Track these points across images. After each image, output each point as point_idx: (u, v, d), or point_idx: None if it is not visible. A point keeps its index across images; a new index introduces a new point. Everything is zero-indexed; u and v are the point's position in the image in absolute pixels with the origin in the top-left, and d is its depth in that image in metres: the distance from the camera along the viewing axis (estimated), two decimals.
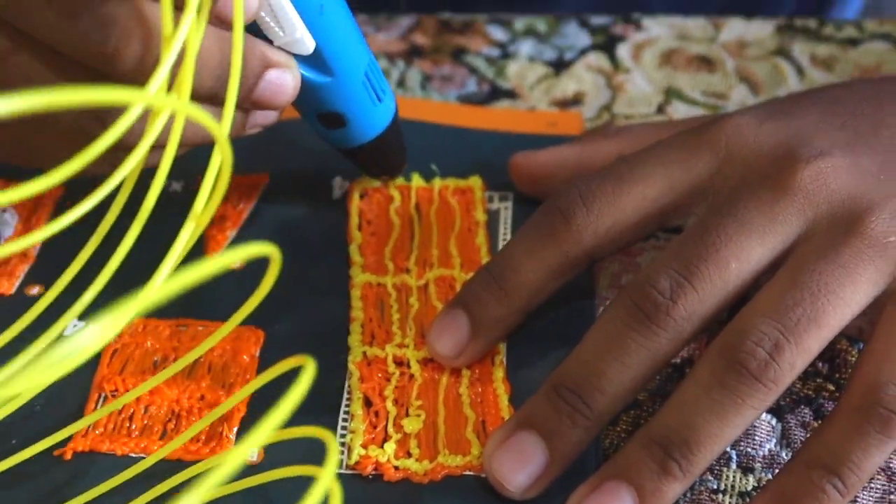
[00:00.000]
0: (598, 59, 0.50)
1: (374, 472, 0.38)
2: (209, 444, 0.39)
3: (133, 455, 0.39)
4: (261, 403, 0.40)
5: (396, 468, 0.38)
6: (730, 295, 0.37)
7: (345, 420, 0.40)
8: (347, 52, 0.41)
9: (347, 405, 0.40)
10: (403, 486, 0.38)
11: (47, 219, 0.46)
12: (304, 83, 0.40)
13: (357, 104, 0.43)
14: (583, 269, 0.40)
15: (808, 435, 0.38)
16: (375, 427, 0.39)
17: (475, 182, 0.46)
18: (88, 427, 0.39)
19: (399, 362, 0.41)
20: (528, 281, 0.39)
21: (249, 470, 0.38)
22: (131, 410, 0.40)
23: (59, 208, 0.47)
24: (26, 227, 0.46)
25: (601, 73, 0.49)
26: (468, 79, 0.49)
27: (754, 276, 0.37)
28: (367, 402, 0.40)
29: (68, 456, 0.39)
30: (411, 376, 0.41)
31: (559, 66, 0.50)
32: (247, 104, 0.40)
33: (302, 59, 0.40)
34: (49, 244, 0.46)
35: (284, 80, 0.39)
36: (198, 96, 0.37)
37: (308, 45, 0.40)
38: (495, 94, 0.49)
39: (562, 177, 0.44)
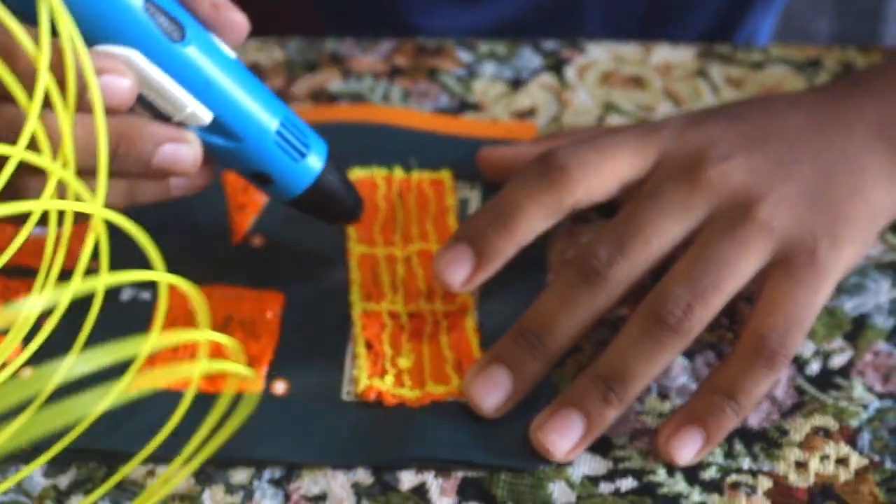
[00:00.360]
0: (548, 78, 0.60)
1: (376, 399, 0.48)
2: (243, 381, 0.49)
3: (180, 390, 0.49)
4: (288, 352, 0.50)
5: (393, 395, 0.49)
6: (652, 263, 0.48)
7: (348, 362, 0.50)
8: (250, 117, 0.46)
9: (353, 349, 0.50)
10: (399, 410, 0.48)
11: None
12: (217, 148, 0.47)
13: (275, 163, 0.47)
14: (565, 217, 0.49)
15: (711, 371, 0.49)
16: (375, 364, 0.50)
17: (445, 175, 0.56)
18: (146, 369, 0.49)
19: (392, 315, 0.51)
20: (528, 219, 0.48)
21: (274, 401, 0.49)
22: (179, 357, 0.50)
23: None
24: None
25: (551, 90, 0.60)
26: (441, 94, 0.60)
27: (671, 249, 0.48)
28: (368, 346, 0.50)
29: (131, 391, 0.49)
30: (402, 326, 0.51)
31: (516, 83, 0.60)
32: (151, 175, 0.46)
33: (206, 129, 0.46)
34: None
35: (179, 152, 0.46)
36: (88, 170, 0.44)
37: (203, 117, 0.45)
38: (464, 106, 0.59)
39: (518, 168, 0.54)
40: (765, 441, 0.47)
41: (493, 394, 0.48)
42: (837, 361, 0.50)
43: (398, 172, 0.57)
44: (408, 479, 0.47)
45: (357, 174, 0.56)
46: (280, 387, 0.49)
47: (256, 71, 0.62)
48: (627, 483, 0.46)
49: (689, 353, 0.50)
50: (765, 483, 0.46)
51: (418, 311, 0.52)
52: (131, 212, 0.54)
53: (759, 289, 0.48)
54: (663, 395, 0.49)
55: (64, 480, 0.47)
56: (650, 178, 0.49)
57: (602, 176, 0.49)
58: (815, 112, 0.51)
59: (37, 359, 0.50)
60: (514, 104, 0.59)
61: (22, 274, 0.54)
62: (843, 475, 0.46)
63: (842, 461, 0.46)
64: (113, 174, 0.45)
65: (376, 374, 0.50)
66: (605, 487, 0.46)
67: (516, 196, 0.48)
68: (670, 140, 0.50)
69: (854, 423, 0.47)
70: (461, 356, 0.50)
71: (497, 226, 0.48)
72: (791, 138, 0.50)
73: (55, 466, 0.48)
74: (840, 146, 0.50)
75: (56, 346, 0.51)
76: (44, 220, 0.54)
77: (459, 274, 0.48)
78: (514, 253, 0.49)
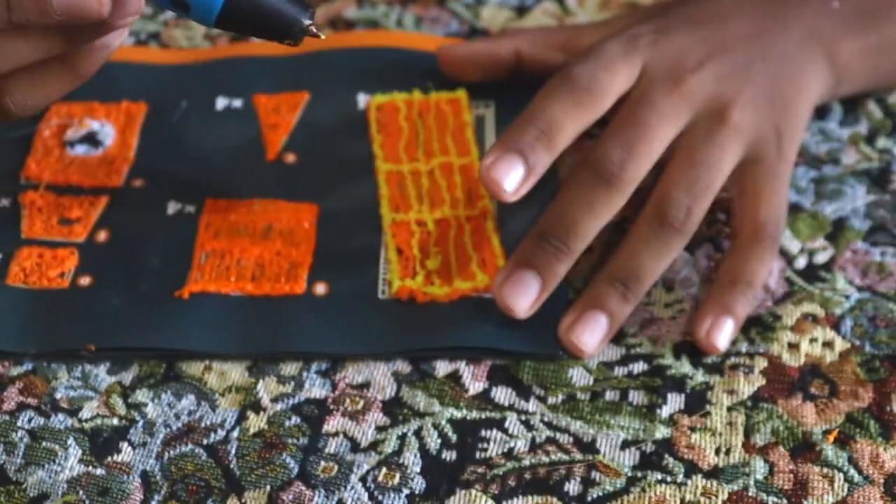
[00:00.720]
0: (551, 5, 0.65)
1: (409, 297, 0.53)
2: (288, 283, 0.54)
3: (232, 293, 0.54)
4: (324, 255, 0.55)
5: (425, 293, 0.54)
6: (653, 162, 0.53)
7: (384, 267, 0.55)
8: None
9: (386, 255, 0.55)
10: (431, 306, 0.53)
11: (139, 129, 0.61)
12: None
13: None
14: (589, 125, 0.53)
15: (711, 264, 0.54)
16: (406, 268, 0.55)
17: (461, 94, 0.61)
18: (198, 275, 0.54)
19: (419, 223, 0.56)
20: (567, 134, 0.52)
21: (317, 300, 0.53)
22: (228, 263, 0.55)
23: (148, 121, 0.61)
24: (121, 137, 0.60)
25: (554, 17, 0.64)
26: (451, 20, 0.64)
27: (665, 147, 0.53)
28: (399, 251, 0.55)
29: (186, 295, 0.53)
30: (429, 232, 0.56)
31: (521, 10, 0.65)
32: (64, 18, 0.45)
33: None
34: (143, 147, 0.60)
35: None
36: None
37: None
38: (473, 32, 0.64)
39: (474, 63, 0.60)
40: (760, 325, 0.53)
41: (524, 297, 0.52)
42: (821, 258, 0.55)
43: (417, 95, 0.61)
44: (443, 367, 0.52)
45: (379, 100, 0.61)
46: (321, 288, 0.54)
47: None
48: (639, 366, 0.52)
49: (690, 248, 0.55)
50: (761, 363, 0.52)
51: (443, 218, 0.56)
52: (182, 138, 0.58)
53: (739, 183, 0.54)
54: (669, 288, 0.54)
55: (127, 377, 0.52)
56: (636, 87, 0.54)
57: (612, 92, 0.53)
58: (758, 15, 0.57)
59: (93, 268, 0.55)
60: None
61: (72, 192, 0.58)
62: (829, 356, 0.52)
63: (828, 344, 0.52)
64: (22, 27, 0.46)
65: (408, 276, 0.54)
66: (619, 371, 0.52)
67: (555, 113, 0.52)
68: (648, 51, 0.54)
69: (837, 311, 0.53)
70: (484, 254, 0.55)
71: (543, 139, 0.52)
72: (744, 42, 0.55)
73: (118, 364, 0.53)
74: (782, 46, 0.56)
75: (110, 257, 0.55)
76: (91, 141, 0.59)
77: (512, 182, 0.52)
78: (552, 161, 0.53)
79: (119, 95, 0.62)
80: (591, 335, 0.52)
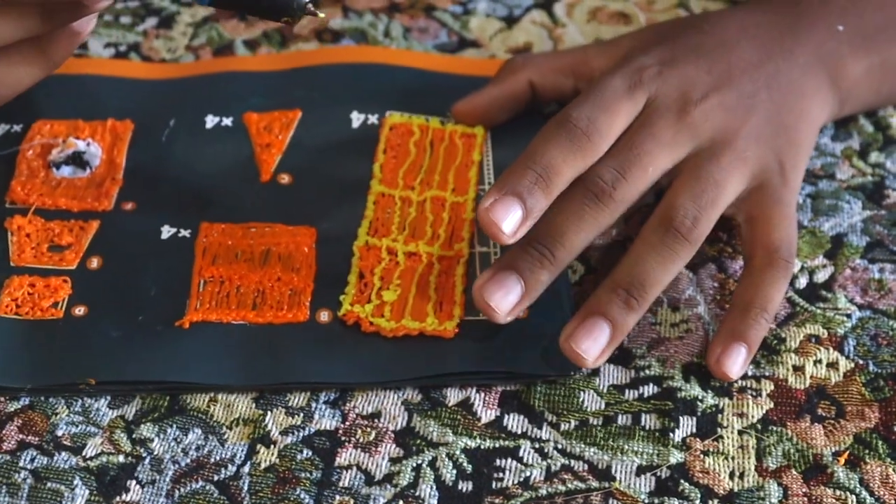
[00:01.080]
0: (540, 15, 0.64)
1: (354, 324, 0.52)
2: (291, 311, 0.53)
3: (234, 322, 0.53)
4: (325, 281, 0.54)
5: (371, 323, 0.53)
6: (647, 187, 0.53)
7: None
8: None
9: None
10: (375, 336, 0.52)
11: (125, 150, 0.59)
12: None
13: None
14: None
15: (715, 284, 0.54)
16: (363, 293, 0.54)
17: (479, 130, 0.60)
18: (197, 304, 0.53)
19: (390, 252, 0.55)
20: (565, 179, 0.51)
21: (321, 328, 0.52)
22: (227, 291, 0.53)
23: (135, 140, 0.59)
24: (109, 157, 0.59)
25: (543, 27, 0.64)
26: (440, 31, 0.63)
27: (663, 174, 0.53)
28: (361, 275, 0.54)
29: (187, 325, 0.52)
30: (397, 263, 0.55)
31: (510, 20, 0.64)
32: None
33: None
34: (131, 168, 0.58)
35: None
36: None
37: None
38: (463, 43, 0.63)
39: (496, 109, 0.59)
40: (765, 349, 0.53)
41: (505, 298, 0.52)
42: (821, 276, 0.56)
43: (434, 122, 0.60)
44: (453, 395, 0.51)
45: (394, 119, 0.60)
46: (324, 315, 0.53)
47: None
48: (649, 389, 0.52)
49: (693, 267, 0.55)
50: (767, 386, 0.52)
51: (416, 252, 0.55)
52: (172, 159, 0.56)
53: (744, 210, 0.54)
54: (674, 308, 0.54)
55: (129, 411, 0.51)
56: (639, 116, 0.54)
57: (611, 134, 0.53)
58: (764, 41, 0.57)
59: (87, 297, 0.54)
60: (510, 40, 0.64)
61: (61, 216, 0.57)
62: (834, 377, 0.52)
63: (832, 365, 0.53)
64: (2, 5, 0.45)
65: (360, 302, 0.53)
66: (629, 394, 0.52)
67: (553, 158, 0.52)
68: (653, 84, 0.54)
69: (840, 331, 0.54)
70: (443, 298, 0.54)
71: (541, 183, 0.52)
72: (749, 70, 0.56)
73: (119, 398, 0.51)
74: (786, 73, 0.56)
75: (105, 285, 0.54)
76: (77, 161, 0.57)
77: (510, 224, 0.51)
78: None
79: (103, 113, 0.60)
80: (593, 343, 0.51)
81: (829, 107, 0.58)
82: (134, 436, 0.50)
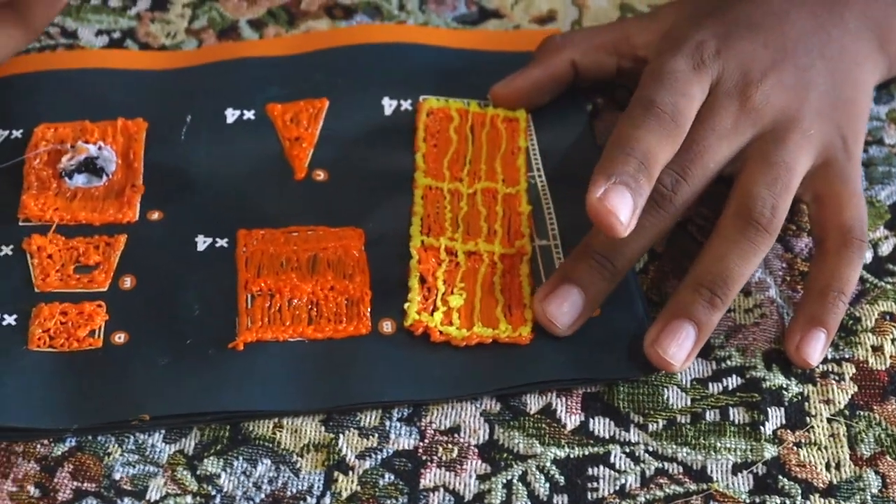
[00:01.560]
0: None
1: (422, 334, 0.49)
2: (352, 323, 0.49)
3: (290, 340, 0.49)
4: (381, 287, 0.50)
5: (441, 332, 0.49)
6: (708, 183, 0.51)
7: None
8: None
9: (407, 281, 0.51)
10: (444, 346, 0.49)
11: (142, 153, 0.54)
12: None
13: None
14: None
15: (784, 264, 0.53)
16: (427, 300, 0.50)
17: (521, 114, 0.56)
18: (248, 321, 0.49)
19: (449, 252, 0.52)
20: (661, 163, 0.49)
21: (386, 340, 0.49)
22: (279, 304, 0.49)
23: (150, 140, 0.55)
24: (125, 162, 0.54)
25: None
26: (458, 2, 0.60)
27: (723, 168, 0.51)
28: (422, 280, 0.51)
29: (241, 347, 0.48)
30: (458, 264, 0.52)
31: None
32: None
33: None
34: (151, 172, 0.54)
35: None
36: None
37: None
38: (484, 14, 0.59)
39: (539, 91, 0.56)
40: (842, 330, 0.51)
41: (567, 313, 0.50)
42: (885, 249, 0.54)
43: (474, 106, 0.57)
44: (534, 402, 0.49)
45: (431, 104, 0.56)
46: (387, 325, 0.49)
47: None
48: (733, 381, 0.50)
49: None
50: (849, 369, 0.50)
51: (476, 251, 0.52)
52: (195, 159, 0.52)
53: (812, 190, 0.52)
54: (746, 293, 0.52)
55: (188, 444, 0.47)
56: (703, 103, 0.52)
57: (691, 117, 0.51)
58: (812, 7, 0.55)
59: (126, 322, 0.49)
60: (532, 9, 0.60)
61: (82, 232, 0.52)
62: None
63: None
64: None
65: (426, 310, 0.50)
66: (713, 387, 0.50)
67: (651, 146, 0.49)
68: (715, 64, 0.52)
69: None
70: (511, 300, 0.51)
71: (645, 172, 0.49)
72: (803, 41, 0.54)
73: (175, 431, 0.47)
74: (838, 40, 0.54)
75: (143, 306, 0.49)
76: (91, 168, 0.52)
77: (626, 213, 0.48)
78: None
79: (110, 111, 0.55)
80: (679, 347, 0.49)
81: (878, 72, 0.56)
82: (198, 472, 0.46)
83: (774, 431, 0.49)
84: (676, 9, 0.56)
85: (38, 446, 0.47)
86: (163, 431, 0.47)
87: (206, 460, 0.47)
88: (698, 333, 0.49)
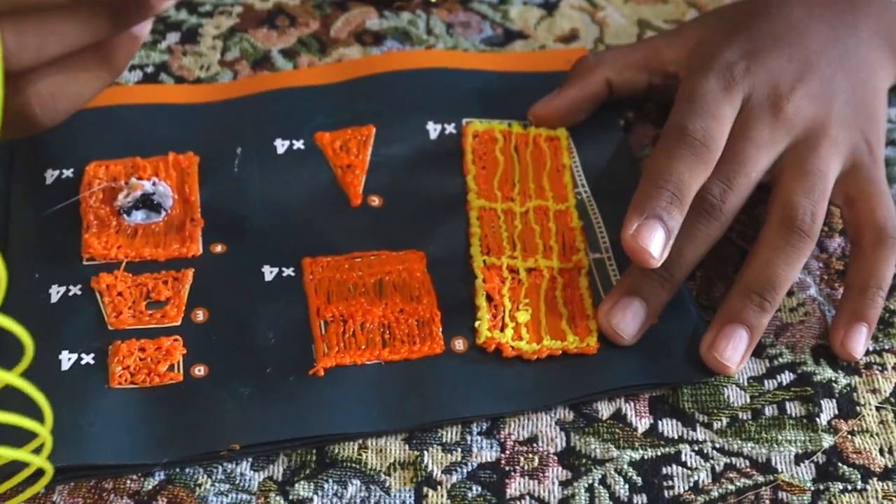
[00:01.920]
0: (577, 0, 0.63)
1: (495, 350, 0.51)
2: (426, 343, 0.51)
3: (368, 363, 0.50)
4: (448, 306, 0.52)
5: (512, 347, 0.51)
6: (751, 191, 0.54)
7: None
8: None
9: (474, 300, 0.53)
10: (515, 360, 0.51)
11: (197, 186, 0.55)
12: None
13: None
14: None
15: (821, 264, 0.56)
16: (496, 317, 0.52)
17: (562, 132, 0.58)
18: (324, 348, 0.50)
19: (511, 269, 0.54)
20: (692, 191, 0.52)
21: (460, 358, 0.50)
22: (352, 329, 0.51)
23: (203, 174, 0.55)
24: (181, 196, 0.54)
25: (582, 10, 0.63)
26: (483, 24, 0.61)
27: (762, 174, 0.54)
28: (489, 298, 0.53)
29: (321, 373, 0.49)
30: (520, 280, 0.54)
31: (549, 6, 0.62)
32: None
33: None
34: (209, 206, 0.54)
35: None
36: None
37: None
38: (509, 36, 0.61)
39: (576, 110, 0.59)
40: (880, 323, 0.54)
41: (631, 324, 0.52)
42: None
43: (516, 127, 0.58)
44: (605, 409, 0.51)
45: (475, 127, 0.58)
46: (459, 344, 0.51)
47: (284, 14, 0.61)
48: (786, 377, 0.52)
49: None
50: (890, 359, 0.53)
51: (536, 267, 0.54)
52: (251, 190, 0.53)
53: (843, 193, 0.55)
54: (789, 293, 0.55)
55: (277, 471, 0.48)
56: (736, 120, 0.55)
57: (723, 139, 0.54)
58: (829, 19, 0.58)
59: (204, 355, 0.50)
60: (555, 28, 0.62)
61: (148, 268, 0.52)
62: None
63: None
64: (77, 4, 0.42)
65: (496, 327, 0.52)
66: (769, 384, 0.52)
67: (682, 175, 0.52)
68: (745, 82, 0.55)
69: None
70: (575, 312, 0.53)
71: (676, 202, 0.52)
72: (824, 53, 0.57)
73: (261, 460, 0.48)
74: (854, 50, 0.58)
75: (218, 338, 0.50)
76: (148, 204, 0.53)
77: (657, 247, 0.51)
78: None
79: (158, 146, 0.56)
80: (734, 350, 0.52)
81: (891, 77, 0.59)
82: (291, 497, 0.47)
83: (829, 422, 0.51)
84: (700, 24, 0.59)
85: (128, 482, 0.48)
86: (250, 459, 0.49)
87: (297, 485, 0.48)
88: (751, 336, 0.52)
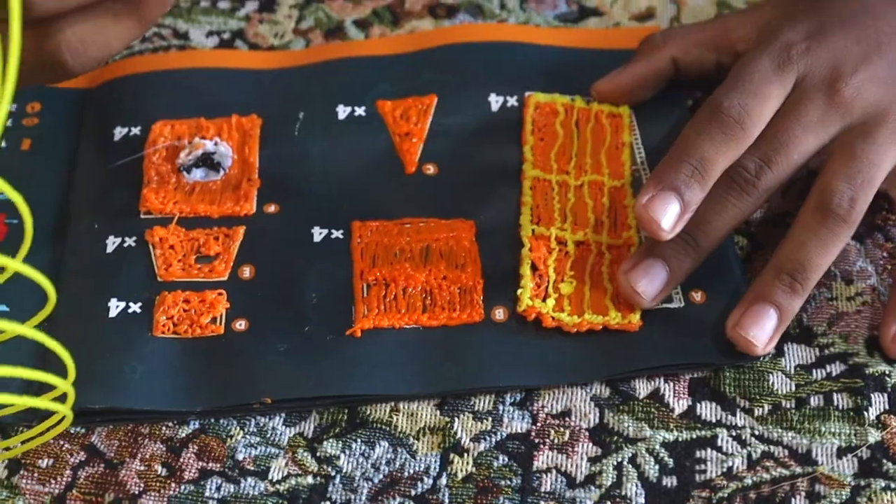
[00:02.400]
0: None
1: (534, 319, 0.51)
2: (465, 311, 0.51)
3: (407, 326, 0.50)
4: (493, 276, 0.52)
5: (553, 318, 0.51)
6: (793, 174, 0.52)
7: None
8: None
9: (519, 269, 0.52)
10: (555, 332, 0.50)
11: (258, 148, 0.56)
12: None
13: None
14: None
15: (884, 253, 0.53)
16: (539, 287, 0.52)
17: (624, 110, 0.58)
18: (364, 309, 0.51)
19: (559, 241, 0.53)
20: (719, 169, 0.51)
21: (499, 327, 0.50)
22: (394, 293, 0.51)
23: (265, 136, 0.57)
24: (241, 157, 0.56)
25: None
26: (558, 0, 0.61)
27: (809, 159, 0.52)
28: (534, 268, 0.52)
29: (359, 333, 0.50)
30: (567, 253, 0.53)
31: None
32: None
33: None
34: (267, 167, 0.56)
35: None
36: None
37: None
38: (584, 12, 0.61)
39: (640, 87, 0.58)
40: None
41: (651, 284, 0.51)
42: None
43: (579, 102, 0.58)
44: (642, 387, 0.50)
45: (538, 98, 0.58)
46: (500, 313, 0.51)
47: None
48: (836, 368, 0.51)
49: (860, 237, 0.54)
50: None
51: (585, 241, 0.54)
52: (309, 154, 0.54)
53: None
54: (847, 281, 0.53)
55: (308, 427, 0.49)
56: (789, 96, 0.53)
57: (763, 118, 0.52)
58: None
59: (246, 310, 0.51)
60: (632, 6, 0.61)
61: (201, 224, 0.54)
62: None
63: None
64: None
65: (538, 296, 0.52)
66: (817, 374, 0.50)
67: (707, 150, 0.51)
68: (802, 61, 0.53)
69: None
70: (620, 289, 0.52)
71: (697, 176, 0.51)
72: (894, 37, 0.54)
73: (294, 414, 0.49)
74: None
75: (262, 295, 0.52)
76: (209, 163, 0.54)
77: (669, 220, 0.50)
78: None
79: (224, 109, 0.57)
80: (761, 329, 0.50)
81: None
82: (318, 454, 0.48)
83: (878, 416, 0.49)
84: (773, 3, 0.57)
85: (164, 428, 0.49)
86: (283, 415, 0.49)
87: (325, 442, 0.49)
88: (780, 316, 0.51)
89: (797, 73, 0.53)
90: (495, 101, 0.58)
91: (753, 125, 0.52)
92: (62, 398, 0.45)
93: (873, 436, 0.49)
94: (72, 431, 0.49)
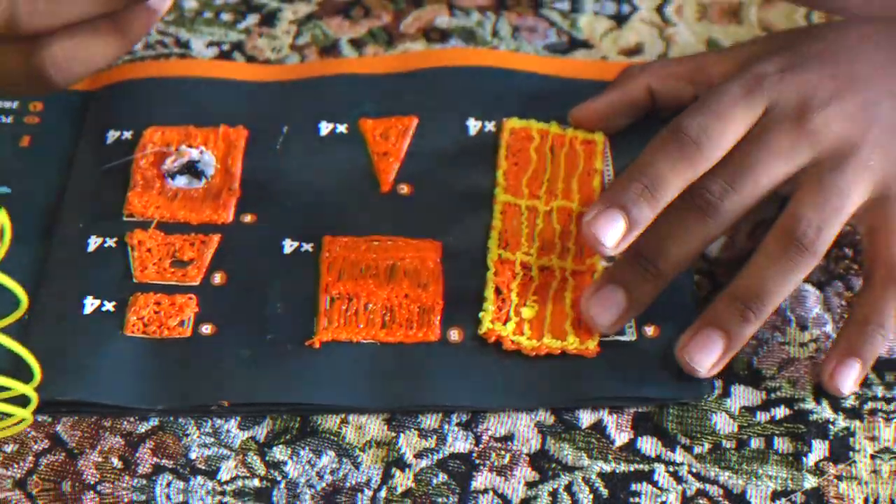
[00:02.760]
0: (650, 14, 0.63)
1: (495, 342, 0.52)
2: (422, 329, 0.52)
3: (364, 341, 0.52)
4: (455, 297, 0.54)
5: (512, 341, 0.52)
6: (759, 199, 0.52)
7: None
8: None
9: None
10: (506, 356, 0.52)
11: (241, 159, 0.58)
12: None
13: None
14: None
15: (843, 302, 0.54)
16: (501, 310, 0.53)
17: (599, 137, 0.59)
18: (326, 322, 0.52)
19: (524, 266, 0.55)
20: (671, 190, 0.51)
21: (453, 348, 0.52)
22: (356, 308, 0.53)
23: (249, 148, 0.59)
24: (224, 166, 0.58)
25: (652, 25, 0.63)
26: (549, 30, 0.63)
27: (777, 186, 0.52)
28: (497, 291, 0.54)
29: (318, 345, 0.52)
30: (531, 278, 0.54)
31: (619, 19, 0.63)
32: None
33: None
34: (248, 178, 0.57)
35: None
36: None
37: None
38: (573, 44, 0.62)
39: (615, 115, 0.58)
40: (894, 368, 0.53)
41: (608, 311, 0.52)
42: None
43: (555, 127, 0.59)
44: (586, 417, 0.51)
45: (514, 123, 0.59)
46: (454, 334, 0.53)
47: (360, 5, 0.64)
48: (781, 411, 0.51)
49: (820, 285, 0.55)
50: None
51: (549, 266, 0.55)
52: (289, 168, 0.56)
53: (867, 221, 0.53)
54: (802, 326, 0.54)
55: (260, 432, 0.51)
56: (757, 124, 0.53)
57: (724, 142, 0.52)
58: (886, 50, 0.55)
59: (214, 315, 0.53)
60: (621, 41, 0.63)
61: (180, 230, 0.56)
62: None
63: None
64: None
65: (499, 320, 0.53)
66: (761, 416, 0.51)
67: (661, 169, 0.51)
68: (773, 89, 0.53)
69: None
70: (581, 316, 0.53)
71: (647, 194, 0.51)
72: (874, 78, 0.54)
73: (249, 419, 0.51)
74: None
75: (231, 302, 0.54)
76: (192, 171, 0.56)
77: (612, 237, 0.51)
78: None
79: (214, 118, 0.60)
80: (706, 355, 0.51)
81: None
82: (267, 458, 0.50)
83: (816, 463, 0.50)
84: (754, 44, 0.58)
85: (125, 423, 0.51)
86: (238, 418, 0.51)
87: (275, 448, 0.51)
88: (727, 344, 0.51)
89: (767, 102, 0.53)
90: (473, 126, 0.59)
91: (712, 146, 0.52)
92: (24, 399, 0.47)
93: (809, 482, 0.49)
94: (38, 420, 0.51)
